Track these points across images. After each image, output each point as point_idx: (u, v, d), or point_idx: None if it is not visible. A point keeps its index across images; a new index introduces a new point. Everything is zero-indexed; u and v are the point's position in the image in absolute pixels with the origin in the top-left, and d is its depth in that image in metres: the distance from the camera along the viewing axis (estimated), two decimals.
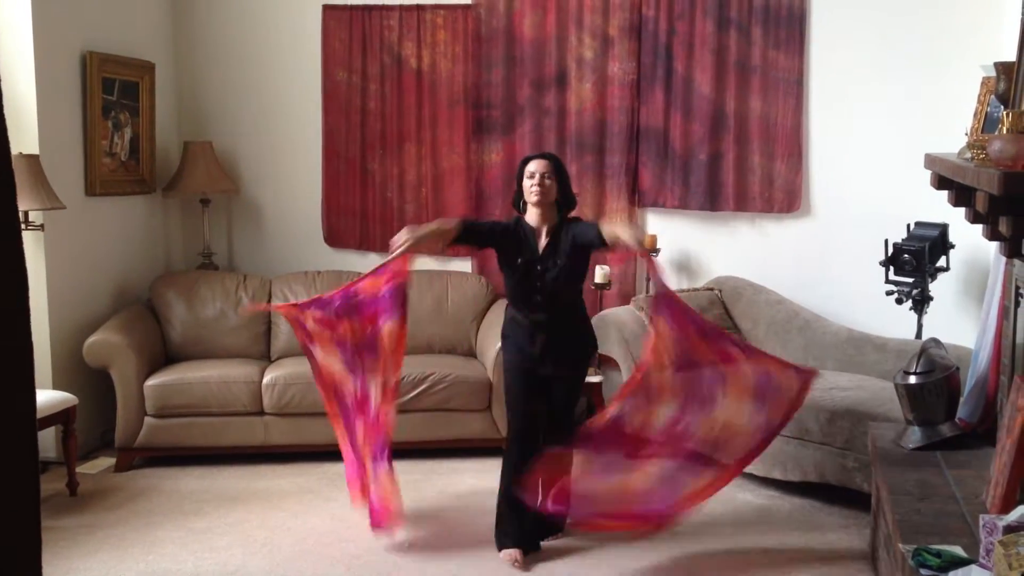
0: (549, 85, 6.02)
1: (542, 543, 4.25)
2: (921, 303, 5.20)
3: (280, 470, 5.25)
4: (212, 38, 6.31)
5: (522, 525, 4.18)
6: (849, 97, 5.75)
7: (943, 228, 5.19)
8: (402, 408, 5.32)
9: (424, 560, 4.14)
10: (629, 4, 5.89)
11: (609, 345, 5.46)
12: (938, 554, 2.81)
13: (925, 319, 5.23)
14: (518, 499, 4.10)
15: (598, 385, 5.68)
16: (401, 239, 4.05)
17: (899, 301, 5.24)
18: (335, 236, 6.35)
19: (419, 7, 6.09)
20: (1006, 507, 2.97)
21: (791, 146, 5.80)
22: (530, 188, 4.12)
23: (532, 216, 4.18)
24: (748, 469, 4.89)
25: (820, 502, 4.79)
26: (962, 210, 3.58)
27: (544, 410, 4.21)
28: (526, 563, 4.09)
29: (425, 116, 6.15)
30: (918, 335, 5.20)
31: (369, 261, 6.31)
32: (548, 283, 4.09)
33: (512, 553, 4.12)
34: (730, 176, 5.87)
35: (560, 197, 4.17)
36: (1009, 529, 2.60)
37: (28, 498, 1.22)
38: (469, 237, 4.23)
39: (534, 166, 4.14)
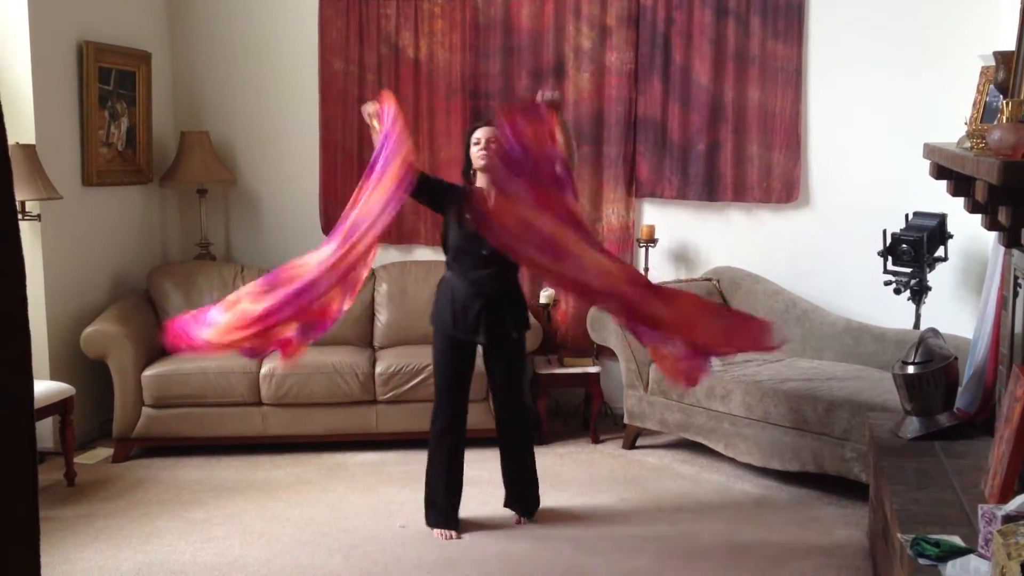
0: (547, 75, 6.00)
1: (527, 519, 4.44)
2: (919, 293, 5.20)
3: (278, 460, 5.25)
4: (209, 27, 6.28)
5: (448, 504, 4.33)
6: (848, 87, 5.74)
7: (941, 218, 5.19)
8: (398, 399, 5.34)
9: (422, 549, 4.14)
10: None
11: (606, 335, 5.46)
12: (937, 544, 2.81)
13: (923, 309, 5.24)
14: (443, 477, 4.31)
15: (595, 375, 5.67)
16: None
17: (897, 291, 5.24)
18: (333, 226, 6.30)
19: None
20: (1005, 497, 2.97)
21: (789, 136, 5.80)
22: (477, 153, 4.19)
23: (481, 181, 4.22)
24: (746, 459, 4.92)
25: (818, 492, 4.79)
26: (961, 200, 3.57)
27: (469, 379, 4.36)
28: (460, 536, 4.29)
29: (423, 106, 6.13)
30: (916, 325, 5.21)
31: None
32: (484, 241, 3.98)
33: (446, 532, 4.28)
34: (728, 166, 5.86)
35: None
36: (1008, 519, 2.60)
37: (26, 488, 1.21)
38: (424, 186, 4.17)
39: (480, 133, 4.22)
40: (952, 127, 4.21)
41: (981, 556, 2.69)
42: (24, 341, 1.17)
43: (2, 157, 1.07)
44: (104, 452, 5.36)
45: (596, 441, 5.61)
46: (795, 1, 5.73)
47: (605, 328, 5.44)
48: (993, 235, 3.85)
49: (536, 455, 4.51)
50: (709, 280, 5.76)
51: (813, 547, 4.18)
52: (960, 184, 3.44)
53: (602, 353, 5.85)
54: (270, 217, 6.39)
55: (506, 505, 4.50)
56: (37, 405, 4.43)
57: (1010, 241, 3.29)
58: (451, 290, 4.24)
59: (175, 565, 4.00)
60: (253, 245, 6.40)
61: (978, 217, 3.51)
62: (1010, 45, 3.36)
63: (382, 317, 5.86)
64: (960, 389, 4.07)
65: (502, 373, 4.35)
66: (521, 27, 6.00)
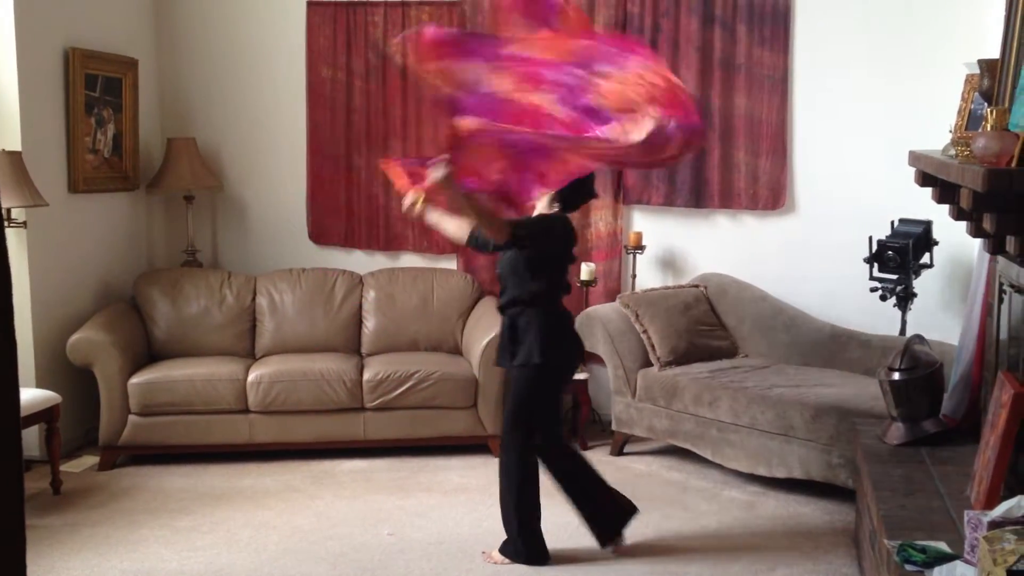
0: None
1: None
2: (905, 300, 5.23)
3: (265, 468, 5.23)
4: (195, 34, 6.27)
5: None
6: (833, 94, 5.77)
7: (927, 225, 5.22)
8: (388, 406, 5.33)
9: (409, 557, 4.13)
10: (614, 1, 5.89)
11: (594, 342, 5.46)
12: (923, 550, 2.82)
13: (909, 316, 5.26)
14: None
15: (583, 382, 5.67)
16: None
17: (883, 298, 5.26)
18: (320, 233, 6.33)
19: (404, 3, 6.06)
20: (990, 503, 2.99)
21: (776, 143, 5.82)
22: None
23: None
24: (733, 465, 4.93)
25: (804, 498, 4.80)
26: (946, 207, 3.59)
27: (514, 403, 4.12)
28: None
29: (410, 113, 6.13)
30: (902, 332, 5.23)
31: (354, 258, 6.30)
32: (499, 262, 4.14)
33: None
34: (715, 173, 5.88)
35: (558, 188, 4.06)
36: (994, 525, 2.61)
37: (12, 497, 1.21)
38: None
39: None
40: (937, 135, 4.23)
41: (967, 562, 2.71)
42: (11, 349, 1.16)
43: None
44: (90, 460, 5.33)
45: (584, 448, 5.60)
46: (781, 9, 5.76)
47: (593, 335, 5.44)
48: (978, 242, 3.87)
49: None
50: (696, 286, 5.78)
51: (800, 553, 4.18)
52: (945, 191, 3.46)
53: (589, 359, 5.85)
54: (257, 224, 6.37)
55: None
56: (22, 413, 4.40)
57: (995, 248, 3.31)
58: None
59: (161, 574, 3.98)
60: (240, 252, 6.38)
61: (963, 224, 3.53)
62: (995, 53, 3.38)
63: (369, 324, 5.85)
64: (946, 395, 4.09)
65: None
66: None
